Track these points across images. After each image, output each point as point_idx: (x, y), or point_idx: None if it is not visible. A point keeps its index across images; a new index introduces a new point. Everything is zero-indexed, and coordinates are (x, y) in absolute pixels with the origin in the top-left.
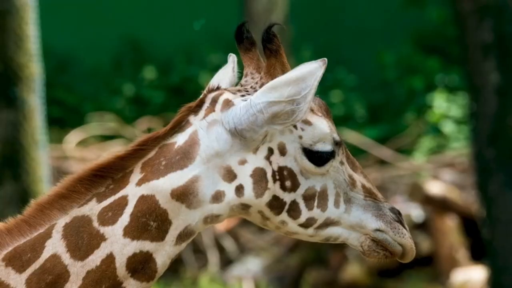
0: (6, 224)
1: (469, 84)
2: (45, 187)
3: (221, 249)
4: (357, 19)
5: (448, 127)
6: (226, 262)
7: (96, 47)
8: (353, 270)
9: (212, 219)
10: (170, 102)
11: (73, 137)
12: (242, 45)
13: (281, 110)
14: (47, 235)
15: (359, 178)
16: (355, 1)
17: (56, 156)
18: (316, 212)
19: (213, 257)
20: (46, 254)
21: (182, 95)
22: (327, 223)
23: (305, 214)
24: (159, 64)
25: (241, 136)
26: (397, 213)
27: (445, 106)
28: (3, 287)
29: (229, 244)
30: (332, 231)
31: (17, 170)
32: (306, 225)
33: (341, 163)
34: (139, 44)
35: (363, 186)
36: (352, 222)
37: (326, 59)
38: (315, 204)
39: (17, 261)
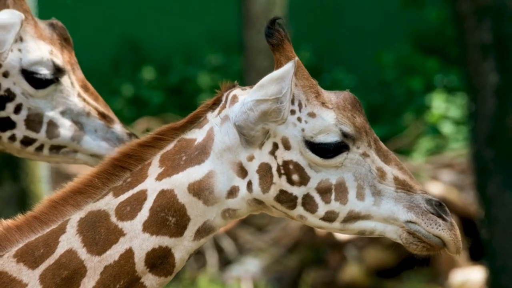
0: (15, 221)
1: (468, 85)
2: (44, 188)
3: (220, 249)
4: (356, 20)
5: (447, 128)
6: (225, 262)
7: (94, 48)
8: (352, 271)
9: (230, 213)
10: (169, 102)
11: None
12: (270, 40)
13: (269, 108)
14: (61, 230)
15: (391, 170)
16: (354, 2)
17: None
18: (335, 205)
19: (212, 258)
20: (61, 250)
21: (181, 95)
22: (354, 217)
23: (322, 208)
24: (158, 65)
25: (241, 133)
26: (435, 205)
27: (444, 107)
28: (15, 284)
29: (227, 245)
30: (364, 225)
31: (16, 170)
32: (327, 218)
33: (364, 155)
34: (138, 45)
35: (396, 178)
36: (384, 215)
37: (297, 58)
38: (332, 197)
39: (29, 257)
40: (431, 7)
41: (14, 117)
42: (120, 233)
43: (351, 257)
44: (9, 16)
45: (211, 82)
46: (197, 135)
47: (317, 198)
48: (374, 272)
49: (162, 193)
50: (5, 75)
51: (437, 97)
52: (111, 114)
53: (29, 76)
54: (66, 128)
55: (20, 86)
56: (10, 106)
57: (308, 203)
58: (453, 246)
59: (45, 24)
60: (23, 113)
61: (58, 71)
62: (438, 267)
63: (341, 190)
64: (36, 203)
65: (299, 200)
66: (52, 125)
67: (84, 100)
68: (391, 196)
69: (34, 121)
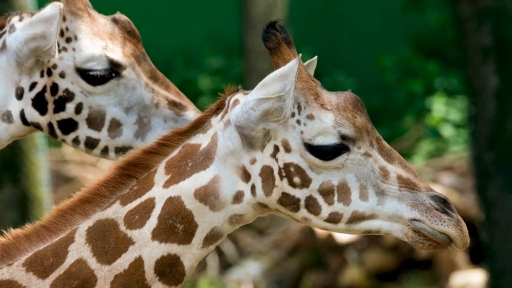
0: (23, 230)
1: (468, 88)
2: (44, 191)
3: (220, 252)
4: (357, 23)
5: (447, 131)
6: (225, 265)
7: None
8: (352, 274)
9: (237, 219)
10: None
11: None
12: (267, 44)
13: (271, 107)
14: (70, 239)
15: (394, 169)
16: (355, 5)
17: (55, 160)
18: (338, 207)
19: (213, 261)
20: (70, 259)
21: None
22: (358, 217)
23: (326, 209)
24: (158, 68)
25: (241, 134)
26: (440, 201)
27: (444, 110)
28: None
29: (228, 248)
30: (370, 225)
31: (16, 173)
32: (332, 220)
33: (366, 155)
34: None
35: (399, 177)
36: (389, 213)
37: (301, 54)
38: (335, 198)
39: (38, 266)
40: (432, 10)
41: (75, 117)
42: (129, 242)
43: (351, 260)
44: (50, 9)
45: (211, 85)
46: (201, 140)
47: (320, 200)
48: (375, 275)
49: (170, 200)
50: (62, 75)
51: (438, 100)
52: (184, 101)
53: (84, 74)
54: (129, 126)
55: (78, 85)
56: (71, 107)
57: (312, 205)
58: (459, 241)
59: (107, 19)
60: (85, 112)
61: (115, 66)
62: (438, 270)
63: (343, 191)
64: (36, 206)
65: (302, 203)
66: (115, 123)
67: (152, 90)
68: (395, 195)
69: (96, 119)
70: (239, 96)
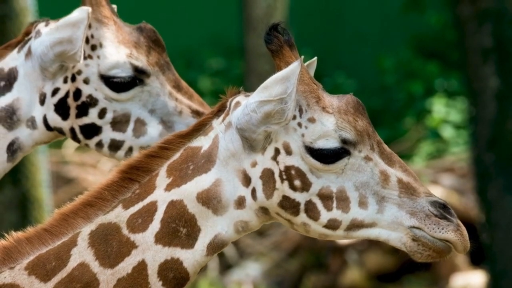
0: (25, 233)
1: (469, 89)
2: (44, 192)
3: (220, 253)
4: (357, 24)
5: (447, 132)
6: (226, 266)
7: None
8: (352, 275)
9: (243, 226)
10: None
11: (73, 141)
12: (269, 47)
13: (272, 110)
14: (72, 243)
15: (395, 173)
16: (355, 6)
17: (55, 161)
18: (336, 214)
19: (213, 262)
20: (73, 263)
21: None
22: (357, 225)
23: (325, 215)
24: None
25: (242, 136)
26: (439, 207)
27: (445, 111)
28: None
29: (228, 249)
30: (368, 233)
31: (16, 174)
32: (330, 226)
33: (367, 159)
34: None
35: (400, 181)
36: (388, 221)
37: (303, 56)
38: (334, 205)
39: (40, 270)
40: (432, 11)
41: (99, 122)
42: (132, 246)
43: (351, 261)
44: (78, 13)
45: (212, 86)
46: (203, 142)
47: (319, 205)
48: (375, 276)
49: (172, 203)
50: (86, 81)
51: (438, 101)
52: (207, 111)
53: (109, 81)
54: (153, 126)
55: (101, 92)
56: (94, 112)
57: (311, 210)
58: (460, 245)
59: (132, 28)
60: (109, 116)
61: (140, 73)
62: (438, 271)
63: (342, 199)
64: (36, 208)
65: (302, 207)
66: (139, 122)
67: (176, 99)
68: (395, 202)
69: (120, 122)
70: (240, 98)
